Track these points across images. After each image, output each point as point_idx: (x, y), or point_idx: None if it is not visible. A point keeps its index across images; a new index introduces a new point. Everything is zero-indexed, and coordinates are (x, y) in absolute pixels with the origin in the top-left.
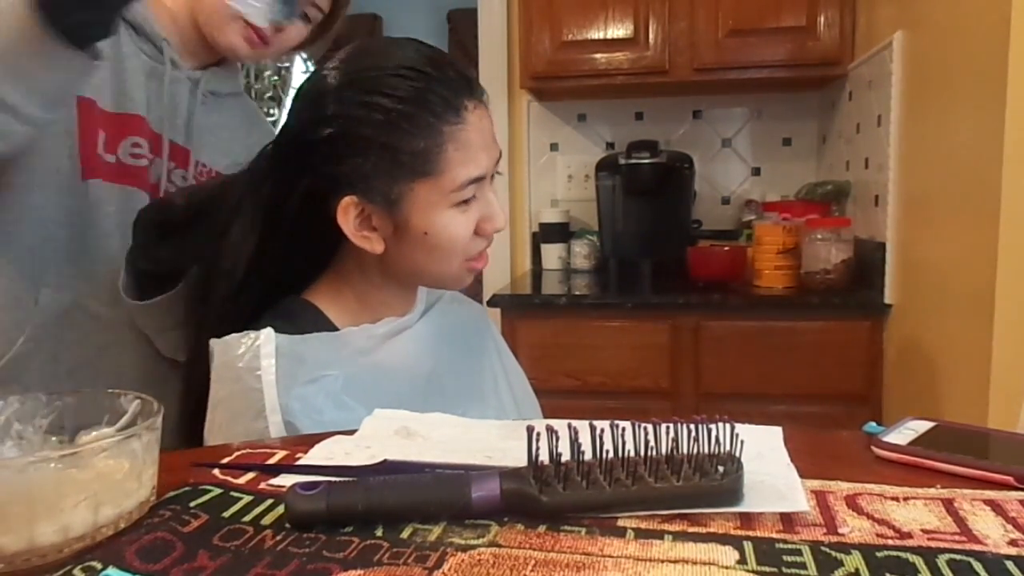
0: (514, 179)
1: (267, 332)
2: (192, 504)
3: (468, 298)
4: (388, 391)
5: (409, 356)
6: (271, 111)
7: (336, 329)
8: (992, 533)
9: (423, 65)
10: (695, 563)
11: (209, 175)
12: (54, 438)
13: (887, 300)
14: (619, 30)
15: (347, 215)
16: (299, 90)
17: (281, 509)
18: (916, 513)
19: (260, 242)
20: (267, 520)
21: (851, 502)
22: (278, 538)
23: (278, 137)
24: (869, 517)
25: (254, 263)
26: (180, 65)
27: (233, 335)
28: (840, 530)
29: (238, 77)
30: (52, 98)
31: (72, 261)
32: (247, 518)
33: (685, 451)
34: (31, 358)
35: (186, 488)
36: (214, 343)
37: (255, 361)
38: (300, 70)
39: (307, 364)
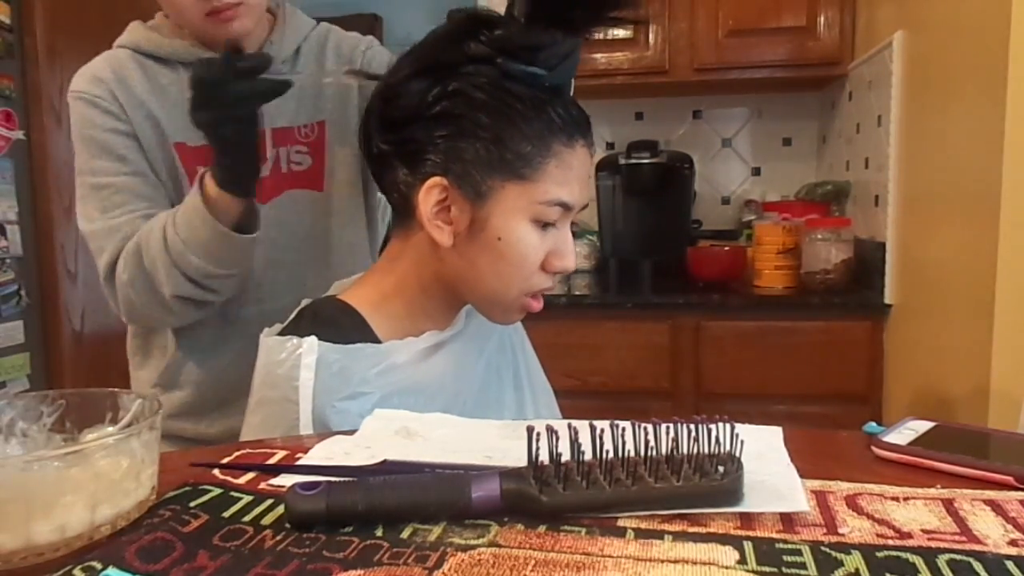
0: None
1: (310, 342)
2: (192, 504)
3: None
4: (416, 411)
5: (443, 375)
6: None
7: (378, 340)
8: (992, 533)
9: (557, 82)
10: (695, 563)
11: (312, 131)
12: (58, 436)
13: (887, 300)
14: (619, 30)
15: (430, 196)
16: (423, 47)
17: (281, 509)
18: (916, 513)
19: None
20: (267, 520)
21: (851, 502)
22: (278, 538)
23: (384, 93)
24: (869, 517)
25: None
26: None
27: (277, 338)
28: (840, 530)
29: (275, 47)
30: (235, 275)
31: None
32: (247, 518)
33: (685, 451)
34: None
35: (186, 488)
36: (263, 340)
37: (295, 371)
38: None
39: (346, 379)
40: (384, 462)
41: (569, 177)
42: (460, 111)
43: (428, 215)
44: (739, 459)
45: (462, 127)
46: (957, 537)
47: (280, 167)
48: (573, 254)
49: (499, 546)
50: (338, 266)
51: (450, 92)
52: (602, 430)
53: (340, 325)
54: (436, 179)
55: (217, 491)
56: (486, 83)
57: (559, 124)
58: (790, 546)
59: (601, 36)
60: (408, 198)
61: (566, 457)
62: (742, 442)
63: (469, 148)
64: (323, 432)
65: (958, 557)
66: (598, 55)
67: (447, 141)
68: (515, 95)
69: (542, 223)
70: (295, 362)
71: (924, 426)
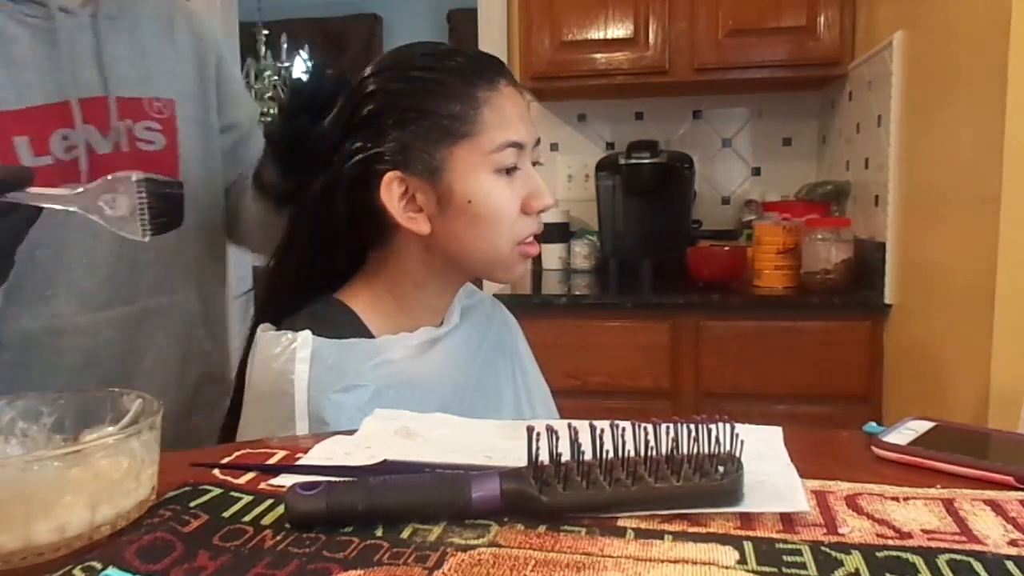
0: None
1: (304, 335)
2: (192, 504)
3: (503, 306)
4: (412, 406)
5: (439, 370)
6: (271, 111)
7: (372, 336)
8: (992, 533)
9: (454, 47)
10: (695, 563)
11: (165, 108)
12: (58, 436)
13: (887, 300)
14: (619, 30)
15: (390, 192)
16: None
17: (281, 509)
18: (916, 513)
19: (312, 245)
20: (267, 520)
21: (851, 502)
22: (278, 538)
23: (317, 131)
24: (869, 517)
25: (304, 265)
26: (70, 8)
27: (273, 332)
28: (840, 530)
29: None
30: None
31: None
32: (247, 518)
33: (685, 451)
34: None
35: (186, 488)
36: (259, 335)
37: (290, 364)
38: (300, 69)
39: (341, 372)
40: (384, 462)
41: (507, 117)
42: (384, 105)
43: (398, 212)
44: (739, 459)
45: (393, 118)
46: (957, 537)
47: (121, 145)
48: (547, 191)
49: (499, 546)
50: (184, 265)
51: (368, 94)
52: (602, 430)
53: (335, 322)
54: (389, 174)
55: (217, 491)
56: (394, 76)
57: (473, 75)
58: (790, 546)
59: (601, 36)
60: (375, 213)
61: (566, 457)
62: (742, 442)
63: (405, 135)
64: (320, 434)
65: (958, 557)
66: (598, 55)
67: (385, 137)
68: (422, 70)
69: (503, 170)
70: (290, 356)
71: (924, 426)
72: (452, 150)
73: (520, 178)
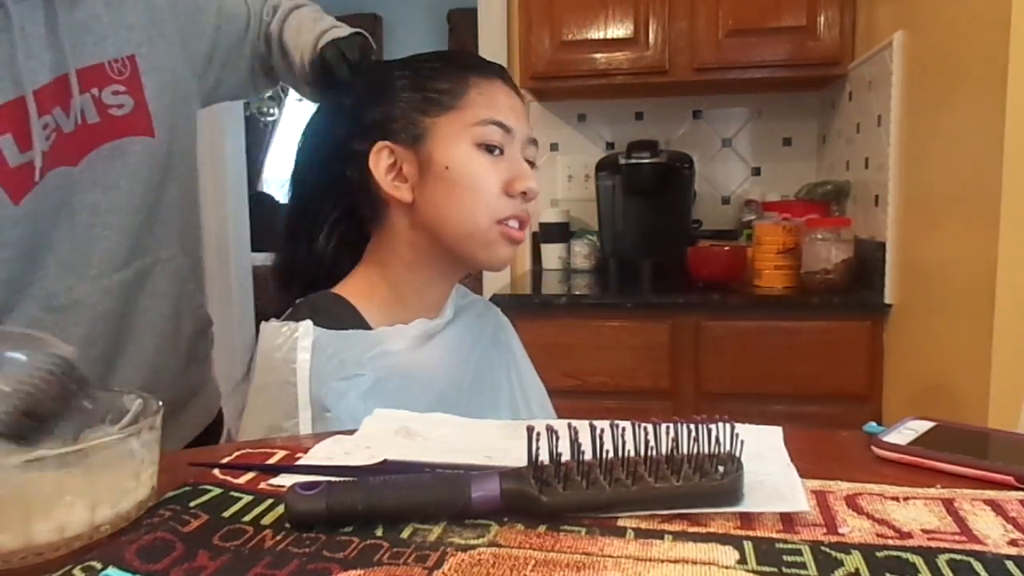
0: None
1: (306, 325)
2: (192, 504)
3: (496, 308)
4: (411, 397)
5: (437, 364)
6: (271, 110)
7: (370, 327)
8: (992, 533)
9: (463, 51)
10: (695, 563)
11: (124, 67)
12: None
13: (887, 300)
14: (619, 30)
15: (379, 160)
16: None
17: (281, 509)
18: (916, 513)
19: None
20: (267, 520)
21: (851, 502)
22: (278, 538)
23: (320, 126)
24: (869, 517)
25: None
26: None
27: (275, 323)
28: (840, 530)
29: None
30: None
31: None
32: (247, 518)
33: (685, 451)
34: None
35: (186, 488)
36: (261, 328)
37: (292, 354)
38: None
39: (341, 362)
40: (384, 462)
41: (496, 103)
42: (376, 83)
43: (384, 180)
44: (739, 459)
45: (385, 93)
46: (957, 537)
47: (86, 118)
48: (533, 177)
49: (499, 546)
50: (167, 221)
51: (363, 77)
52: (602, 430)
53: (335, 314)
54: (379, 144)
55: (217, 491)
56: (392, 63)
57: (472, 66)
58: (790, 546)
59: (601, 36)
60: (370, 193)
61: (566, 457)
62: (742, 442)
63: (395, 108)
64: (321, 433)
65: (958, 557)
66: (598, 55)
67: (377, 109)
68: (417, 57)
69: (485, 146)
70: (292, 345)
71: (924, 426)
72: (436, 120)
73: (506, 161)
